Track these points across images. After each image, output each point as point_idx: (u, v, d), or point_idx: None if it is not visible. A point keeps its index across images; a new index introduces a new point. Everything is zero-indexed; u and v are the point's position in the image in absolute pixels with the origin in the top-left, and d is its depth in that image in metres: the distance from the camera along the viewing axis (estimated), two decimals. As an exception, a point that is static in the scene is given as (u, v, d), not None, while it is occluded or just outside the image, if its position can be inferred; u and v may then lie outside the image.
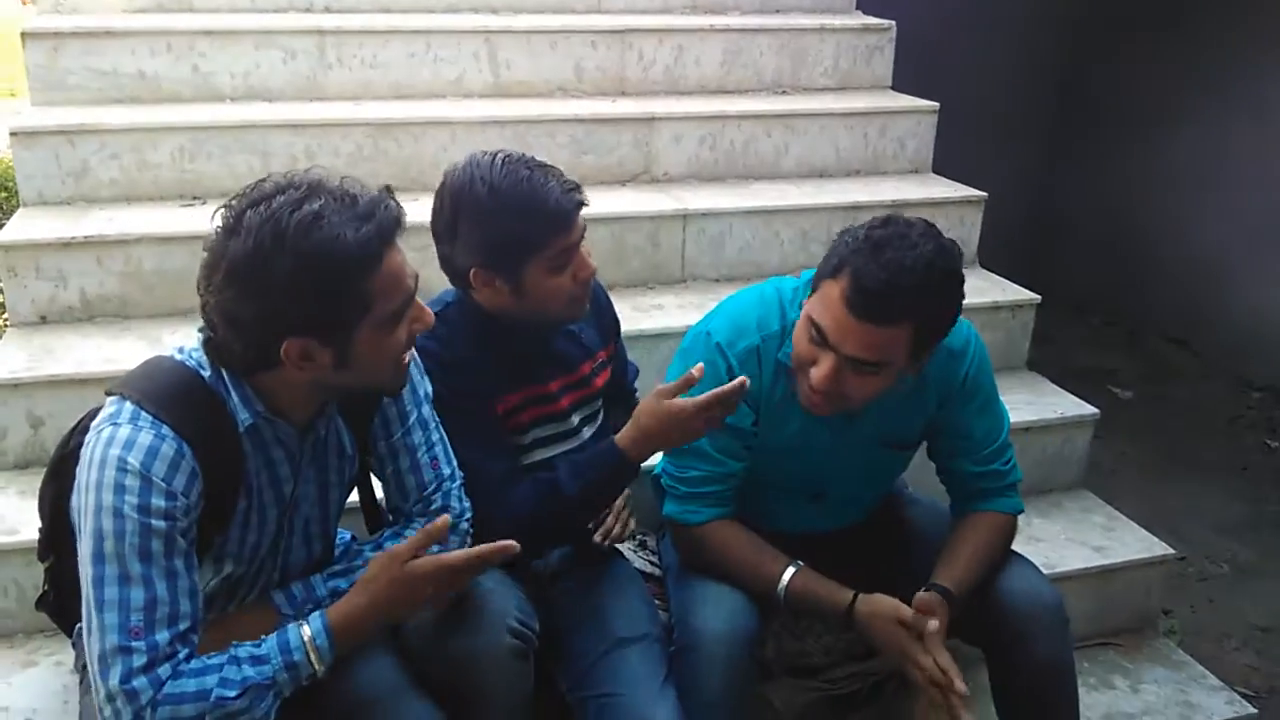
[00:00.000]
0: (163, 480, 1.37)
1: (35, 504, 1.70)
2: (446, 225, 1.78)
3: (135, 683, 1.34)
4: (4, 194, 4.17)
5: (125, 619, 1.35)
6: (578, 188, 1.77)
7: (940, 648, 1.75)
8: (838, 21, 3.66)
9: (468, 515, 1.73)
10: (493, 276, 1.77)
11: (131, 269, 2.63)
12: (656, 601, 2.01)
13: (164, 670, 1.36)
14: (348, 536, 1.86)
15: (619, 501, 1.95)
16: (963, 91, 4.15)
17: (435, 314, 1.82)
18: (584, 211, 1.78)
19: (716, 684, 1.78)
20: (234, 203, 1.38)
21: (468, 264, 1.77)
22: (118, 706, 1.35)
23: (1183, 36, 4.64)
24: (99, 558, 1.36)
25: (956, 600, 1.82)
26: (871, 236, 1.70)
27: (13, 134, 2.80)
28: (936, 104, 3.47)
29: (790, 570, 1.86)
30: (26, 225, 2.68)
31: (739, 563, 1.89)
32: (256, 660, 1.41)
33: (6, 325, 2.68)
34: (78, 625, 1.66)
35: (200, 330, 1.45)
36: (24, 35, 2.96)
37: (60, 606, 1.72)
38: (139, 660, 1.35)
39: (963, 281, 1.77)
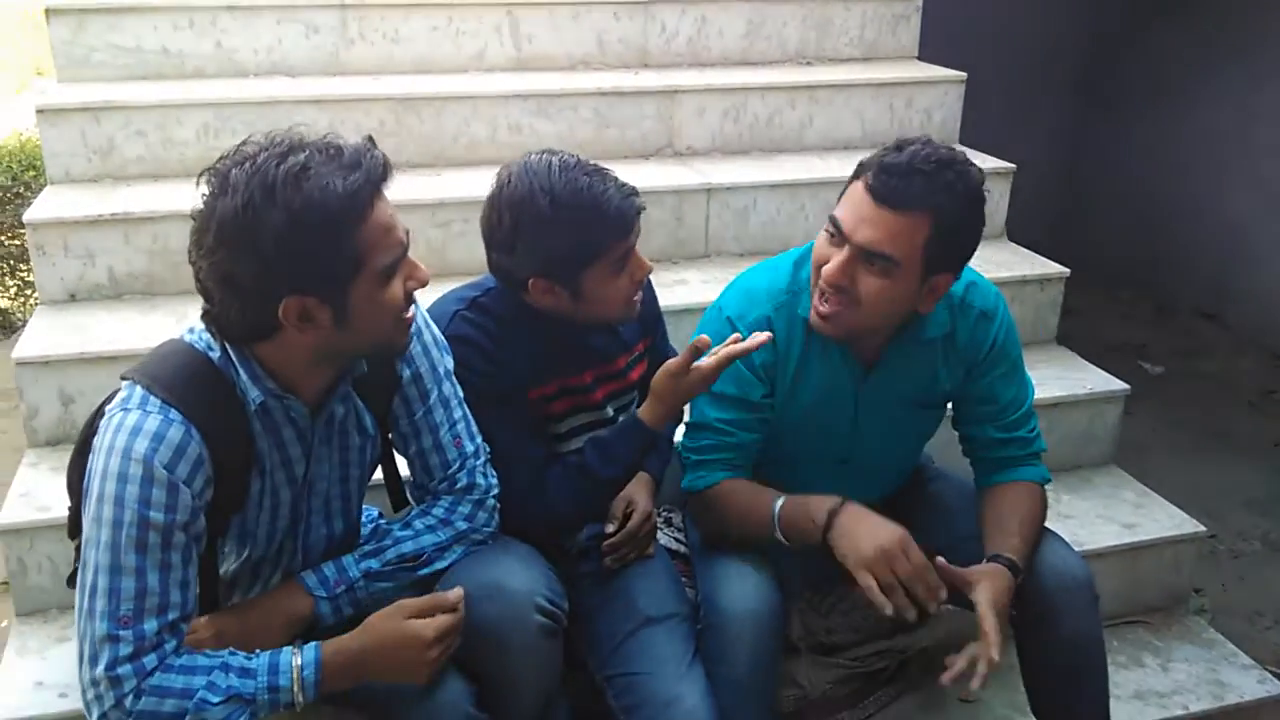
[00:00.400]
0: (165, 468, 1.38)
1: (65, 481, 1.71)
2: (505, 237, 1.75)
3: (120, 670, 1.36)
4: (31, 172, 4.18)
5: (115, 607, 1.36)
6: (635, 192, 1.76)
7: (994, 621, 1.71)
8: (863, -10, 3.61)
9: (494, 491, 1.73)
10: (553, 284, 1.76)
11: (159, 246, 2.64)
12: (684, 580, 2.01)
13: (149, 660, 1.37)
14: (375, 513, 1.86)
15: (635, 520, 1.91)
16: (991, 62, 4.09)
17: (474, 301, 1.84)
18: None
19: (742, 662, 1.78)
20: (218, 165, 1.37)
21: (528, 274, 1.75)
22: (100, 692, 1.36)
23: (1210, 7, 4.55)
24: (96, 544, 1.38)
25: (1021, 571, 1.80)
26: (898, 141, 1.76)
27: (39, 112, 2.81)
28: (964, 74, 3.42)
29: (780, 501, 1.83)
30: (54, 203, 2.69)
31: (740, 511, 1.87)
32: (245, 673, 1.41)
33: (36, 303, 2.70)
34: None
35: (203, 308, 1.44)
36: (48, 12, 2.97)
37: None
38: (125, 649, 1.36)
39: (983, 203, 1.78)
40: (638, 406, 1.83)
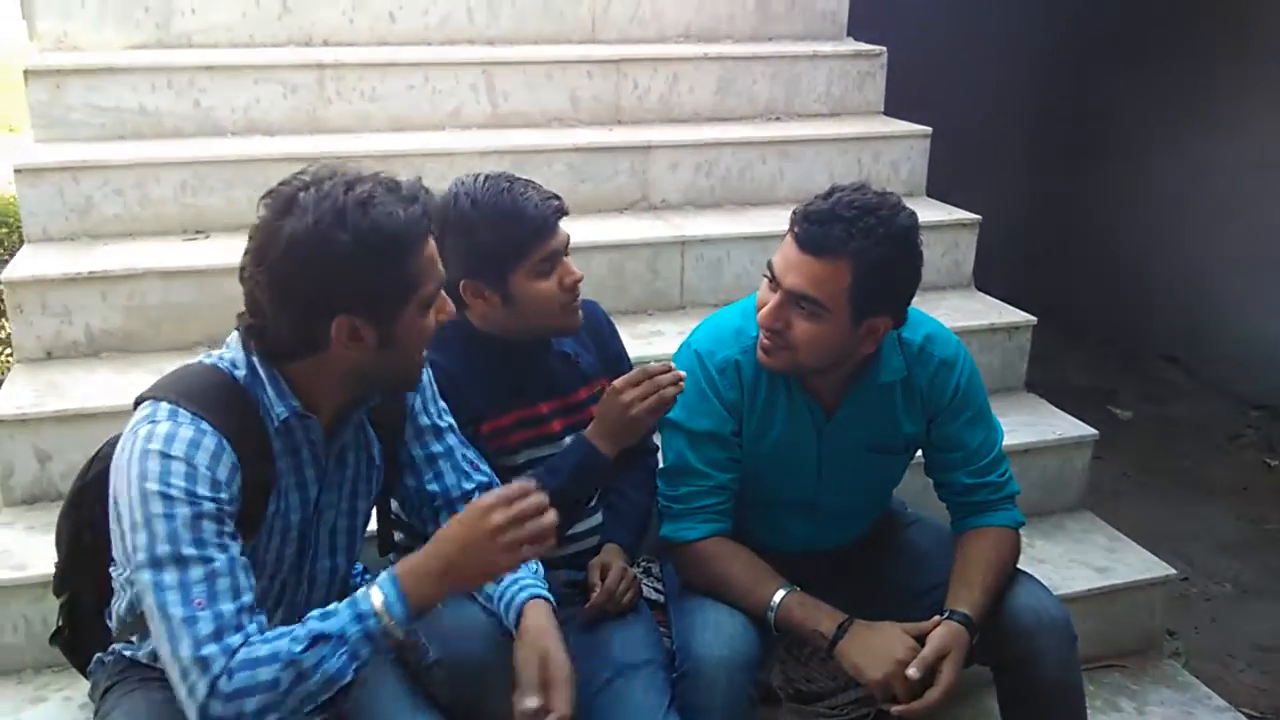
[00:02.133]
0: (206, 469, 1.39)
1: (42, 540, 1.72)
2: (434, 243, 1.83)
3: (205, 650, 1.33)
4: (5, 230, 4.19)
5: (187, 594, 1.35)
6: (557, 198, 1.85)
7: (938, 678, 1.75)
8: (829, 48, 3.70)
9: None
10: (481, 287, 1.83)
11: (136, 303, 2.65)
12: (661, 629, 2.01)
13: (234, 639, 1.35)
14: (360, 568, 1.86)
15: (613, 576, 1.93)
16: (955, 116, 4.19)
17: None
18: (583, 238, 1.83)
19: (718, 709, 1.78)
20: (281, 188, 1.42)
21: (456, 277, 1.82)
22: (193, 680, 1.34)
23: (1164, 59, 4.69)
24: (151, 547, 1.36)
25: (977, 627, 1.82)
26: (831, 188, 1.80)
27: (17, 171, 2.83)
28: (929, 128, 3.50)
29: (781, 593, 1.86)
30: (31, 261, 2.70)
31: (734, 579, 1.89)
32: (325, 615, 1.39)
33: (12, 362, 2.69)
34: (95, 657, 1.67)
35: (239, 319, 1.47)
36: (27, 73, 3.00)
37: (74, 643, 1.73)
38: (206, 628, 1.34)
39: (912, 246, 1.80)
40: None
